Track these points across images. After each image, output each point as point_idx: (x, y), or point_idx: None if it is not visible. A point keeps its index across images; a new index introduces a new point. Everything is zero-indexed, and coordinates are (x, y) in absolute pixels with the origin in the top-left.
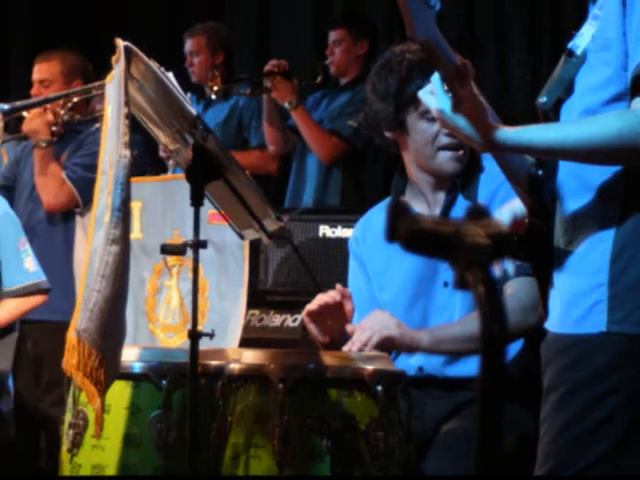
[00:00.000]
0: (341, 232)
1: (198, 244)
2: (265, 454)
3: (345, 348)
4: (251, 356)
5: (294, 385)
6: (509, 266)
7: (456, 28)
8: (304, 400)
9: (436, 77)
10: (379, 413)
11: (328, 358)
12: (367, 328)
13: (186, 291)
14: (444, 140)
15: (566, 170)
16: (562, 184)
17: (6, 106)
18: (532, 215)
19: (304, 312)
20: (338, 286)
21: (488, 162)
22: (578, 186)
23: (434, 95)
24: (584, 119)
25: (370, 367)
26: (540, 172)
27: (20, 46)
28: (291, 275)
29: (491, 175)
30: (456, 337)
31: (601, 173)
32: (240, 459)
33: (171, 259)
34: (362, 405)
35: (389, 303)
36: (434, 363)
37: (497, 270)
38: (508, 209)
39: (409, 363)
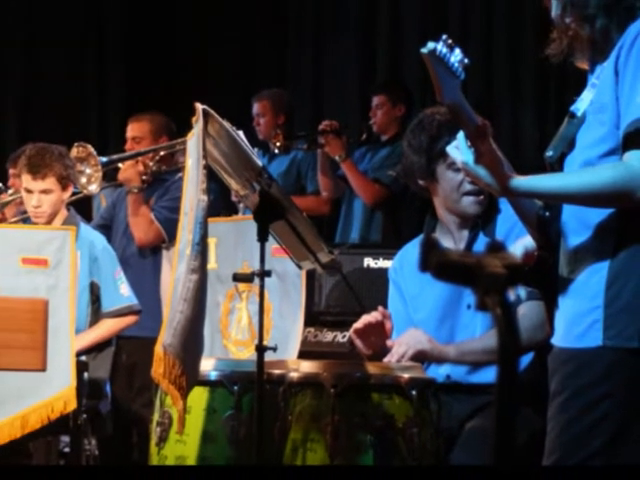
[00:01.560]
0: (382, 263)
1: (264, 273)
2: (319, 447)
3: (385, 359)
4: (307, 366)
5: (343, 390)
6: (521, 291)
7: (477, 93)
8: (351, 402)
9: (461, 135)
10: (414, 413)
11: (371, 368)
12: (403, 343)
13: (254, 312)
14: (468, 187)
15: (568, 211)
16: (565, 223)
17: (105, 159)
18: (541, 249)
19: (351, 330)
20: (380, 308)
21: (504, 205)
22: (578, 225)
23: (459, 150)
24: (584, 170)
25: (406, 375)
26: (547, 213)
27: (116, 109)
28: (341, 299)
29: (506, 216)
30: (477, 350)
31: (598, 214)
32: (298, 451)
33: (241, 286)
34: (400, 407)
35: (422, 322)
36: (459, 372)
37: (511, 295)
38: (521, 244)
39: (438, 372)
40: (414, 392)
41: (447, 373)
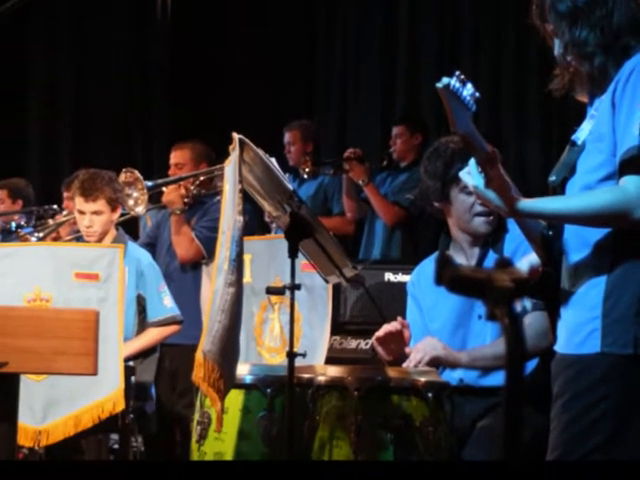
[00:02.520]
0: (401, 278)
1: (294, 287)
2: (344, 444)
3: (404, 365)
4: (333, 371)
5: (366, 392)
6: (527, 303)
7: (487, 124)
8: (373, 404)
9: (472, 161)
10: (430, 413)
11: (391, 372)
12: (420, 350)
13: (285, 322)
14: (479, 209)
15: (570, 231)
16: (567, 241)
17: (150, 183)
18: (544, 265)
19: (373, 338)
20: (399, 318)
21: (511, 225)
22: (579, 243)
23: (471, 175)
24: (583, 193)
25: (423, 379)
26: (550, 232)
27: (160, 139)
28: (363, 310)
29: (514, 235)
30: (487, 356)
31: (596, 233)
32: (325, 448)
33: (274, 298)
34: (417, 407)
35: (437, 331)
36: (471, 376)
37: (518, 306)
38: (527, 260)
39: (452, 376)
40: (430, 394)
41: (460, 377)
